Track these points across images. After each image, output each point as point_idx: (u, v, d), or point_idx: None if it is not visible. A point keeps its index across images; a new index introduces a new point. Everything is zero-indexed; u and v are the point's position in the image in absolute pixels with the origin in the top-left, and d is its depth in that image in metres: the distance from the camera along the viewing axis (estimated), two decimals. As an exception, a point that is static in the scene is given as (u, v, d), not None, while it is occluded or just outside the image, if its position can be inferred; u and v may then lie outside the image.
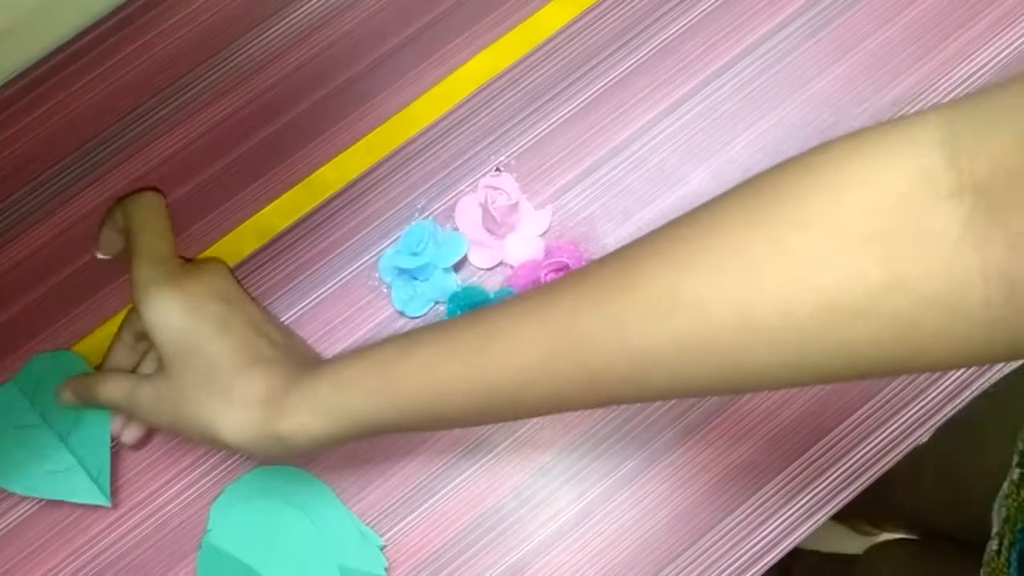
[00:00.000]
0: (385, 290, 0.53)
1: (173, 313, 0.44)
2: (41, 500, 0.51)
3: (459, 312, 0.51)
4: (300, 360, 0.45)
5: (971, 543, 0.58)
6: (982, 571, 0.56)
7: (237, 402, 0.42)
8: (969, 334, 0.31)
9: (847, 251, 0.31)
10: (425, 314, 0.52)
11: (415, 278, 0.52)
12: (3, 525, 0.50)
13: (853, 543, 1.01)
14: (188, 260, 0.49)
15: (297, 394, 0.42)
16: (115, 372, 0.48)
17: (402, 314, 0.52)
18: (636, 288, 0.35)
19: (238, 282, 0.48)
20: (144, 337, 0.50)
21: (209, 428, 0.43)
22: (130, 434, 0.50)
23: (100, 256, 0.51)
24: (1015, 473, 0.56)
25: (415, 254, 0.51)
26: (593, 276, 0.37)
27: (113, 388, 0.47)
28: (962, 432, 0.50)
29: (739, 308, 0.32)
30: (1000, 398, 0.51)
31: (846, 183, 0.32)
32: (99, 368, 0.50)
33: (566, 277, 0.38)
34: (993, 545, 0.56)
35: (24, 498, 0.51)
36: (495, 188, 0.52)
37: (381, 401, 0.41)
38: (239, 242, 0.55)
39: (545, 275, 0.51)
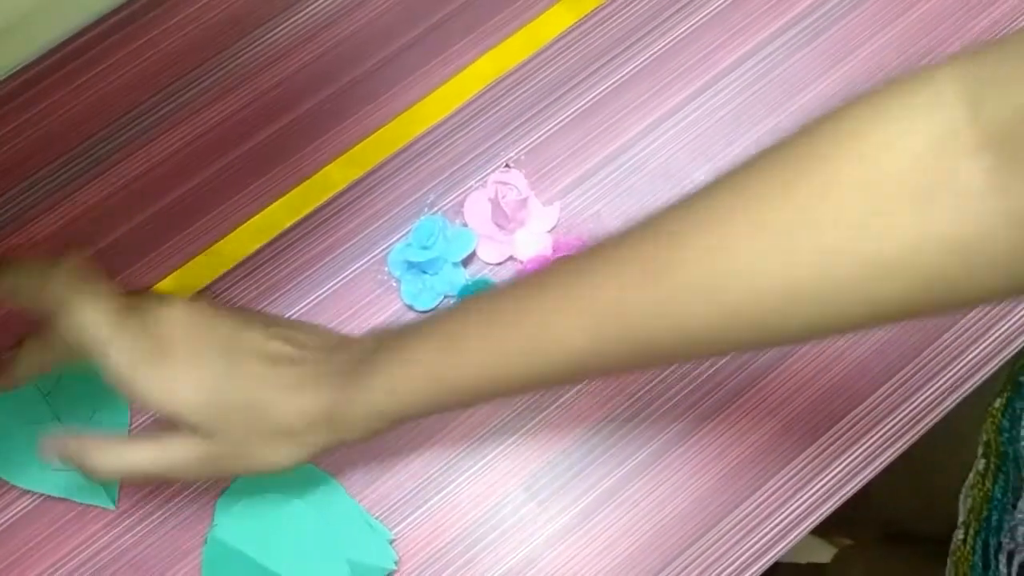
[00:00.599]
0: (394, 284, 0.53)
1: (183, 392, 0.42)
2: (43, 495, 0.50)
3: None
4: (328, 357, 0.44)
5: (941, 538, 0.59)
6: (948, 560, 0.57)
7: (299, 433, 0.43)
8: (994, 276, 0.32)
9: (880, 214, 0.32)
10: (434, 308, 0.52)
11: (424, 272, 0.52)
12: (4, 519, 0.49)
13: (825, 553, 1.02)
14: (135, 294, 0.44)
15: (354, 410, 0.42)
16: (138, 443, 0.44)
17: (411, 308, 0.52)
18: (681, 269, 0.36)
19: (213, 307, 0.45)
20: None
21: (280, 464, 0.43)
22: None
23: None
24: (980, 463, 0.57)
25: (425, 248, 0.52)
26: (634, 255, 0.37)
27: (144, 463, 0.43)
28: (931, 429, 0.52)
29: (781, 278, 0.34)
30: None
31: (875, 148, 0.33)
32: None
33: (602, 253, 0.38)
34: (959, 534, 0.57)
35: (26, 493, 0.50)
36: (505, 183, 0.53)
37: (435, 399, 0.42)
38: (246, 238, 0.54)
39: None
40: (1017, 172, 0.30)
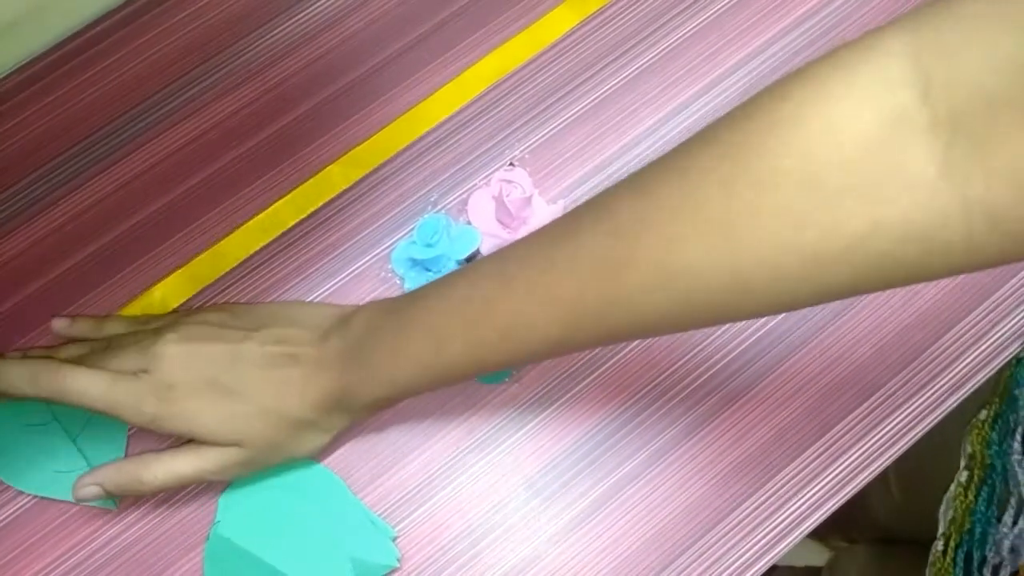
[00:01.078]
0: (397, 282, 0.53)
1: (199, 421, 0.45)
2: (45, 490, 0.50)
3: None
4: (322, 348, 0.46)
5: (928, 544, 0.59)
6: (927, 571, 0.57)
7: (317, 421, 0.47)
8: (948, 262, 0.31)
9: (826, 205, 0.31)
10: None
11: (428, 270, 0.52)
12: (5, 515, 0.49)
13: (821, 556, 1.02)
14: (119, 338, 0.48)
15: (357, 396, 0.45)
16: (180, 455, 0.46)
17: (414, 306, 0.52)
18: (632, 267, 0.36)
19: (198, 324, 0.47)
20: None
21: (311, 449, 0.48)
22: None
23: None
24: (962, 475, 0.57)
25: (430, 245, 0.52)
26: (587, 253, 0.38)
27: (188, 472, 0.46)
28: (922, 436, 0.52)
29: (730, 271, 0.34)
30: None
31: (817, 136, 0.31)
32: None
33: (559, 246, 0.39)
34: (939, 546, 0.56)
35: (27, 489, 0.50)
36: (509, 181, 0.53)
37: (428, 382, 0.45)
38: (249, 235, 0.54)
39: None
40: (973, 158, 0.29)
